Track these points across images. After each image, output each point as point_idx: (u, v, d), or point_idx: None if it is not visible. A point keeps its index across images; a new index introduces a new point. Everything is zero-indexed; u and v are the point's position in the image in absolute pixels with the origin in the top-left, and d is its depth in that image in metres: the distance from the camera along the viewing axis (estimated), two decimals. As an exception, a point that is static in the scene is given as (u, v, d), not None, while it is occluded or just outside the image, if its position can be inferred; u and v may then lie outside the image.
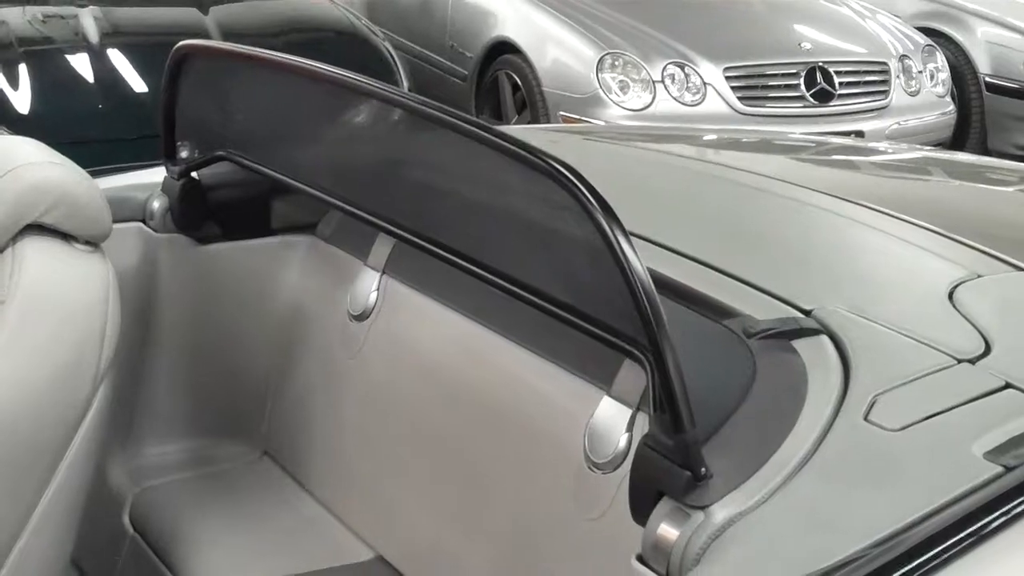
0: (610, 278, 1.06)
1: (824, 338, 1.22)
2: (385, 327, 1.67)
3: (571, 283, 1.22)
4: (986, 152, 5.26)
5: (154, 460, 1.83)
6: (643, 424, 1.27)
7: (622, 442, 1.28)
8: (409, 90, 3.93)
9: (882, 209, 1.64)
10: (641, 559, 1.04)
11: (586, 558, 1.29)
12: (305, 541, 1.67)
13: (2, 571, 1.43)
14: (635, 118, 4.38)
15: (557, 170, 1.09)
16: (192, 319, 1.84)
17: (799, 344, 1.21)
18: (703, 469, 1.02)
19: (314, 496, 1.75)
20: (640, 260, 1.04)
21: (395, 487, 1.60)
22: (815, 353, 1.20)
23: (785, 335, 1.22)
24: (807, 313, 1.27)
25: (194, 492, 1.78)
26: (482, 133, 1.20)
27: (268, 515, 1.72)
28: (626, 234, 1.05)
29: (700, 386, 1.06)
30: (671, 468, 1.03)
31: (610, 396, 1.31)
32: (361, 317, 1.70)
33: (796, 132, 3.90)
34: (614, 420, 1.30)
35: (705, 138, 2.51)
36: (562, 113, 4.48)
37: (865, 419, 1.09)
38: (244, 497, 1.77)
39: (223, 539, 1.67)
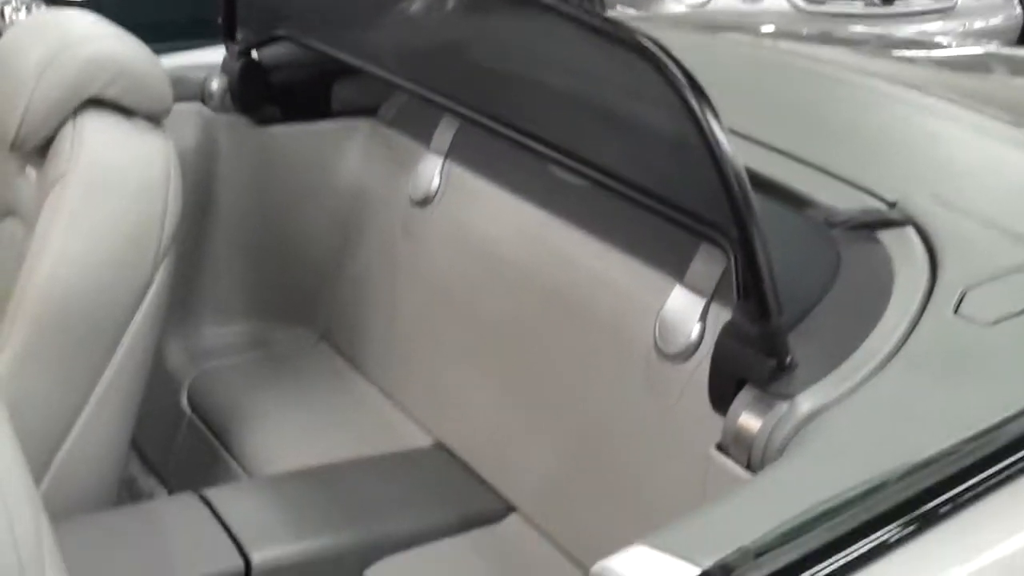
0: (696, 160, 1.02)
1: (910, 229, 1.18)
2: (447, 213, 1.63)
3: (650, 165, 1.18)
4: (1051, 57, 5.11)
5: (212, 342, 1.83)
6: (717, 314, 1.24)
7: (694, 332, 1.25)
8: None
9: (961, 101, 1.58)
10: (721, 448, 1.01)
11: (655, 447, 1.27)
12: (363, 426, 1.65)
13: (62, 450, 1.43)
14: (693, 15, 4.28)
15: (645, 47, 1.04)
16: (250, 201, 1.82)
17: (884, 235, 1.17)
18: (789, 358, 0.99)
19: (372, 382, 1.73)
20: (730, 140, 1.00)
21: (456, 374, 1.58)
22: (901, 244, 1.16)
23: (869, 226, 1.18)
24: (891, 204, 1.23)
25: (252, 374, 1.77)
26: (563, 7, 1.15)
27: (326, 399, 1.71)
28: (716, 113, 1.00)
29: (783, 275, 1.02)
30: (755, 356, 1.00)
31: (682, 285, 1.27)
32: (423, 203, 1.66)
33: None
34: (686, 310, 1.26)
35: (775, 30, 2.44)
36: (620, 5, 4.37)
37: (955, 312, 1.05)
38: (302, 381, 1.76)
39: (281, 421, 1.67)
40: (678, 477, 1.21)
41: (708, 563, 0.75)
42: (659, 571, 0.75)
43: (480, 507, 1.47)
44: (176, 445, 1.75)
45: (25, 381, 1.40)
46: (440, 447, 1.58)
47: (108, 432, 1.47)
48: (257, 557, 1.31)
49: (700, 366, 1.25)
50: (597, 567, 0.77)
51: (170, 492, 1.74)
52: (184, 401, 1.76)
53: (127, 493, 1.79)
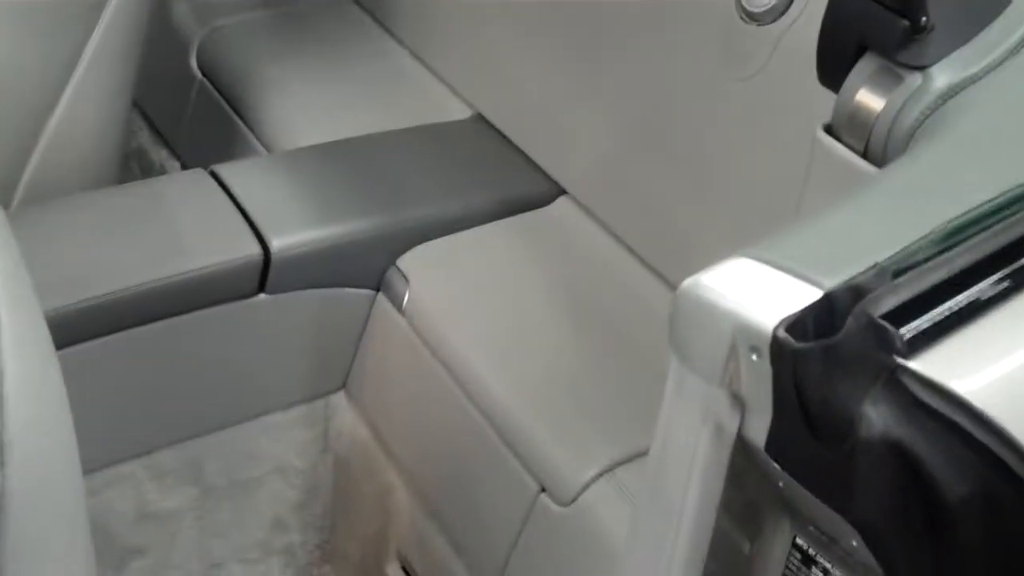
0: None
1: None
2: None
3: None
4: None
5: None
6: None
7: None
8: None
9: None
10: (830, 131, 0.83)
11: (737, 128, 1.09)
12: (394, 96, 1.47)
13: (53, 117, 1.27)
14: None
15: None
16: None
17: None
18: (924, 18, 0.79)
19: (404, 45, 1.54)
20: None
21: (500, 36, 1.38)
22: None
23: None
24: None
25: (269, 34, 1.57)
26: None
27: (353, 65, 1.52)
28: None
29: None
30: (883, 14, 0.79)
31: None
32: None
33: None
34: None
35: None
36: None
37: None
38: (326, 43, 1.56)
39: (302, 89, 1.48)
40: (768, 163, 1.04)
41: (832, 283, 0.58)
42: (770, 293, 0.59)
43: (525, 189, 1.31)
44: (187, 114, 1.58)
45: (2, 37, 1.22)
46: (479, 119, 1.40)
47: (104, 96, 1.30)
48: (277, 243, 1.16)
49: (791, 28, 1.05)
50: (689, 283, 0.61)
51: (183, 165, 1.59)
52: (193, 64, 1.57)
53: (137, 166, 1.65)
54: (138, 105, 1.60)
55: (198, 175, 1.24)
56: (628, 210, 1.23)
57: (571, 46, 1.28)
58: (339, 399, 1.26)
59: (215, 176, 1.23)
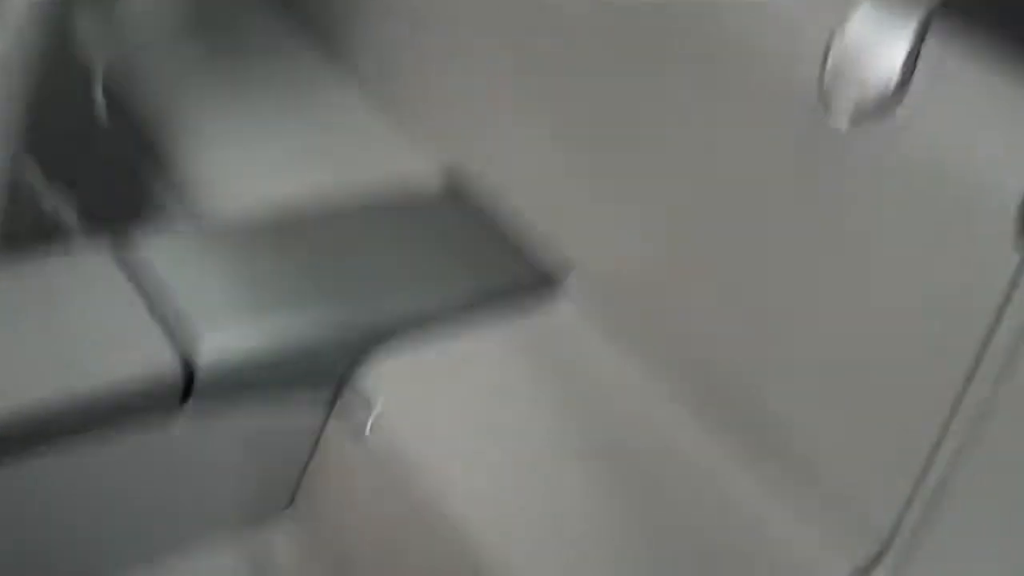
0: None
1: None
2: None
3: None
4: None
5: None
6: (938, 56, 0.79)
7: (892, 79, 0.80)
8: None
9: None
10: None
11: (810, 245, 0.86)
12: (351, 148, 1.22)
13: None
14: None
15: None
16: None
17: None
18: None
19: (365, 88, 1.28)
20: None
21: (484, 83, 1.13)
22: None
23: None
24: None
25: (195, 63, 1.31)
26: None
27: (299, 109, 1.26)
28: None
29: None
30: None
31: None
32: None
33: None
34: (878, 41, 0.81)
35: None
36: None
37: None
38: (262, 73, 1.30)
39: (231, 133, 1.22)
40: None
41: None
42: None
43: (516, 276, 1.07)
44: (88, 156, 1.31)
45: None
46: (458, 187, 1.15)
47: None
48: (205, 356, 0.89)
49: (901, 136, 0.81)
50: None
51: (81, 214, 1.31)
52: (98, 93, 1.30)
53: (29, 211, 1.37)
54: (29, 140, 1.33)
55: (98, 256, 0.96)
56: (646, 315, 0.99)
57: (598, 120, 1.04)
58: (278, 538, 1.00)
59: (121, 256, 0.96)
